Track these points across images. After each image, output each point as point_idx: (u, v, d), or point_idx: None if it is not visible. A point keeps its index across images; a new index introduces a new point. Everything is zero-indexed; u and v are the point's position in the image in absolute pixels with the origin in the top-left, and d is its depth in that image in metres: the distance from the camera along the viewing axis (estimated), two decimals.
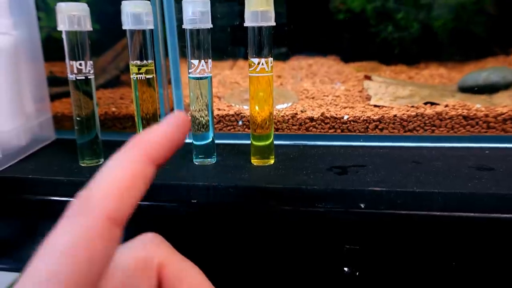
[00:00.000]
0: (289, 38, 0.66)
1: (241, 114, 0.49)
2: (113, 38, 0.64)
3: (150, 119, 0.41)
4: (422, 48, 0.65)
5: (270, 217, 0.36)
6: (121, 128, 0.52)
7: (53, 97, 0.54)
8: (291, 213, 0.36)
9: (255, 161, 0.41)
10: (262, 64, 0.38)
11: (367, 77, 0.57)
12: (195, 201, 0.37)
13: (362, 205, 0.35)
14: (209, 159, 0.42)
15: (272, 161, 0.41)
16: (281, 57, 0.68)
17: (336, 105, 0.50)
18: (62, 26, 0.39)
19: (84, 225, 0.17)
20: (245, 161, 0.42)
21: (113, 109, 0.53)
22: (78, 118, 0.41)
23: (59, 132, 0.51)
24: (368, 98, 0.51)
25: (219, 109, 0.51)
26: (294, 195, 0.36)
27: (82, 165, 0.42)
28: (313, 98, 0.53)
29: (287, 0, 0.63)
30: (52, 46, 0.57)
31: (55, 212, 0.40)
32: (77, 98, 0.41)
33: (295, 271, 0.37)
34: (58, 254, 0.17)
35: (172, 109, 0.51)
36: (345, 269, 0.36)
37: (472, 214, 0.33)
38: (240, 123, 0.49)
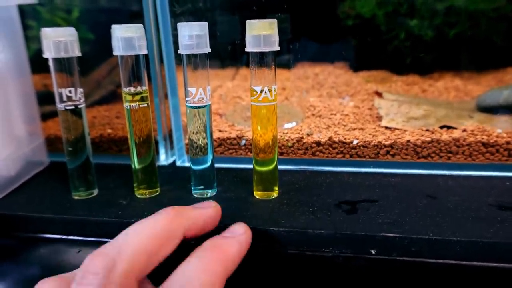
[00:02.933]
0: (295, 44, 0.63)
1: (244, 137, 0.47)
2: (108, 49, 0.62)
3: (144, 141, 0.39)
4: (436, 57, 0.62)
5: (274, 261, 0.34)
6: (117, 151, 0.50)
7: (46, 116, 0.52)
8: (296, 258, 0.34)
9: (258, 194, 0.39)
10: (265, 92, 0.36)
11: (378, 94, 0.54)
12: (193, 242, 0.35)
13: (373, 251, 0.32)
14: (209, 191, 0.40)
15: (276, 194, 0.39)
16: (286, 65, 0.66)
17: (345, 125, 0.47)
18: (48, 53, 0.36)
19: None
20: (247, 193, 0.40)
21: (109, 130, 0.50)
22: (70, 149, 0.39)
23: (53, 155, 0.49)
24: (379, 118, 0.48)
25: (220, 131, 0.48)
26: (300, 238, 0.33)
27: (75, 197, 0.40)
28: (320, 116, 0.51)
29: (294, 4, 0.60)
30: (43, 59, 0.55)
31: (46, 249, 0.38)
32: (66, 126, 0.39)
33: None
34: None
35: (170, 128, 0.49)
36: None
37: (494, 264, 0.31)
38: (243, 142, 0.47)
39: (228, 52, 0.62)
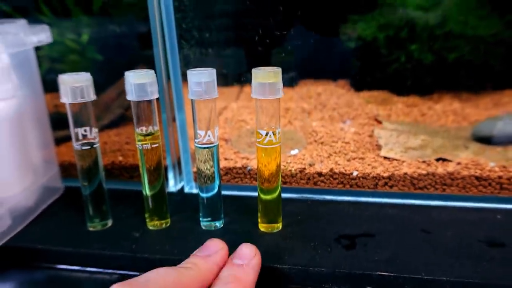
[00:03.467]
0: (298, 62, 0.66)
1: (249, 167, 0.49)
2: (117, 71, 0.64)
3: (155, 171, 0.42)
4: (436, 79, 0.64)
5: None
6: (128, 178, 0.53)
7: (58, 141, 0.54)
8: None
9: (262, 227, 0.42)
10: (270, 136, 0.38)
11: (378, 122, 0.57)
12: None
13: None
14: (216, 223, 0.43)
15: (280, 226, 0.42)
16: (290, 83, 0.68)
17: (345, 154, 0.50)
18: (66, 99, 0.39)
19: None
20: (252, 225, 0.43)
21: (120, 158, 0.53)
22: (85, 183, 0.42)
23: (67, 180, 0.52)
24: (378, 146, 0.51)
25: (225, 159, 0.51)
26: (302, 275, 0.36)
27: (90, 229, 0.43)
28: (322, 143, 0.53)
29: (298, 23, 0.63)
30: (53, 78, 0.57)
31: (63, 279, 0.41)
32: (82, 163, 0.42)
33: None
34: None
35: (178, 156, 0.51)
36: None
37: None
38: (249, 168, 0.50)
39: (233, 72, 0.64)
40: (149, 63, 0.64)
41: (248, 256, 0.34)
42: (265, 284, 0.37)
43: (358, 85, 0.69)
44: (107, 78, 0.63)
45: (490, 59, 0.62)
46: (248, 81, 0.70)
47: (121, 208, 0.47)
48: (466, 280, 0.34)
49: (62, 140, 0.57)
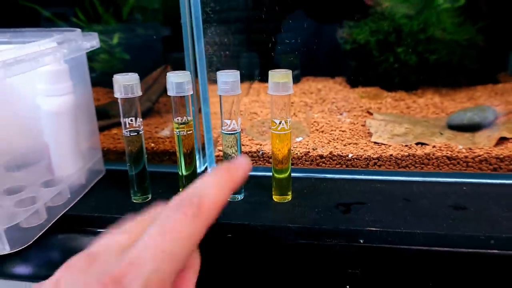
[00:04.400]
0: (302, 62, 0.77)
1: (261, 150, 0.60)
2: (142, 69, 0.75)
3: (189, 155, 0.53)
4: (419, 77, 0.76)
5: (290, 248, 0.48)
6: (159, 161, 0.63)
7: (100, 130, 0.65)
8: (306, 246, 0.48)
9: (276, 198, 0.53)
10: (283, 124, 0.49)
11: (369, 114, 0.68)
12: (230, 235, 0.49)
13: (361, 241, 0.47)
14: (238, 195, 0.54)
15: (289, 197, 0.53)
16: (294, 79, 0.79)
17: (342, 140, 0.61)
18: (119, 94, 0.50)
19: (199, 225, 0.28)
20: (267, 198, 0.54)
21: (152, 145, 0.64)
22: (130, 163, 0.53)
23: (107, 164, 0.63)
24: (370, 134, 0.62)
25: (242, 145, 0.62)
26: (309, 232, 0.48)
27: (134, 201, 0.54)
28: (322, 131, 0.64)
29: (301, 27, 0.73)
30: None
31: None
32: (129, 145, 0.52)
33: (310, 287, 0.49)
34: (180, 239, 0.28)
35: (202, 141, 0.62)
36: (347, 287, 0.48)
37: (444, 249, 0.45)
38: (261, 152, 0.61)
39: (245, 72, 0.75)
40: (171, 62, 0.75)
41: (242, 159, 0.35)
42: (280, 240, 0.48)
43: (353, 82, 0.80)
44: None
45: (464, 60, 0.74)
46: (256, 77, 0.81)
47: (156, 185, 0.58)
48: (435, 232, 0.45)
49: (101, 130, 0.67)
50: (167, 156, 0.63)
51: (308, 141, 0.62)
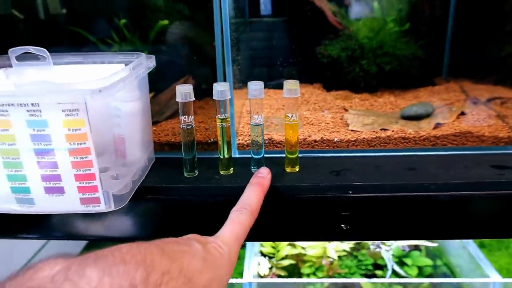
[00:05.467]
0: (288, 72, 1.03)
1: (272, 139, 0.85)
2: (167, 80, 0.97)
3: (228, 142, 0.76)
4: (378, 82, 1.04)
5: (300, 200, 0.73)
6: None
7: None
8: (312, 198, 0.73)
9: (288, 169, 0.78)
10: (293, 117, 0.75)
11: (345, 110, 0.95)
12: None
13: (350, 192, 0.73)
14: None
15: (297, 169, 0.78)
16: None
17: (328, 129, 0.87)
18: (180, 98, 0.73)
19: (252, 220, 0.60)
20: (282, 169, 0.79)
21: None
22: (186, 148, 0.76)
23: (155, 153, 0.85)
24: (347, 124, 0.89)
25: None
26: (313, 188, 0.73)
27: (186, 175, 0.77)
28: (312, 124, 0.90)
29: (287, 47, 0.99)
30: None
31: (178, 206, 0.74)
32: (185, 135, 0.75)
33: (312, 226, 0.75)
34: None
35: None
36: (342, 225, 0.74)
37: (403, 194, 0.72)
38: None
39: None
40: (192, 74, 0.98)
41: (265, 172, 0.70)
42: (294, 195, 0.73)
43: (328, 87, 1.07)
44: (163, 85, 0.96)
45: (410, 68, 1.03)
46: (266, 86, 1.06)
47: (199, 167, 0.81)
48: (397, 183, 0.72)
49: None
50: (200, 146, 0.87)
51: (303, 131, 0.88)
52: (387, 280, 1.32)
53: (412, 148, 0.84)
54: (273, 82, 1.06)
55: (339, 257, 1.56)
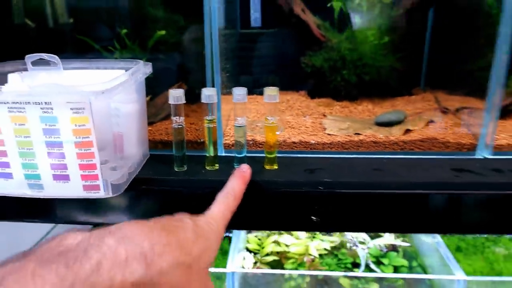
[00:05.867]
0: (275, 80, 1.14)
1: (256, 140, 0.96)
2: (162, 85, 1.08)
3: (214, 142, 0.87)
4: (359, 91, 1.15)
5: (277, 193, 0.84)
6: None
7: None
8: (287, 192, 0.83)
9: (267, 166, 0.88)
10: (272, 120, 0.85)
11: (324, 116, 1.06)
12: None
13: (321, 188, 0.83)
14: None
15: (276, 166, 0.89)
16: None
17: (307, 133, 0.98)
18: (172, 101, 0.84)
19: (236, 204, 0.71)
20: (262, 167, 0.89)
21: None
22: (177, 145, 0.87)
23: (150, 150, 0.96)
24: (324, 129, 0.99)
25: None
26: (289, 183, 0.83)
27: (176, 169, 0.88)
28: (293, 128, 1.01)
29: (275, 57, 1.10)
30: None
31: (168, 196, 0.85)
32: (175, 134, 0.86)
33: (287, 217, 0.85)
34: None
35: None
36: (313, 217, 0.84)
37: (369, 191, 0.82)
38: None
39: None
40: (186, 80, 1.09)
41: (246, 167, 0.80)
42: (270, 189, 0.83)
43: (312, 95, 1.18)
44: (159, 89, 1.07)
45: (388, 79, 1.13)
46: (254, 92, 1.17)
47: (188, 162, 0.92)
48: (363, 181, 0.82)
49: None
50: (190, 144, 0.97)
51: (285, 134, 0.98)
52: (363, 274, 1.41)
53: (382, 152, 0.94)
54: (261, 89, 1.17)
55: (320, 255, 1.66)
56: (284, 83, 1.17)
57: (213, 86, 0.93)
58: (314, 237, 1.74)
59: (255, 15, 1.12)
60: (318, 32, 1.13)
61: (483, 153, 0.92)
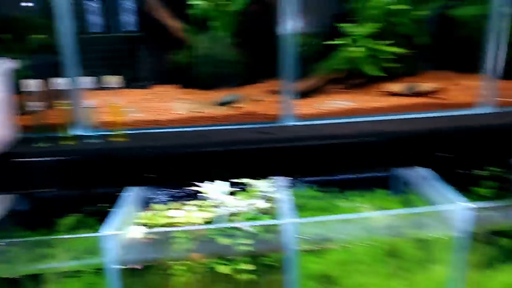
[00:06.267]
0: (151, 76, 1.38)
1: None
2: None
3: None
4: (216, 81, 1.39)
5: (128, 159, 1.07)
6: None
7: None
8: (133, 158, 1.06)
9: (114, 139, 1.12)
10: (117, 103, 1.08)
11: (177, 100, 1.30)
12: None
13: (150, 150, 1.06)
14: None
15: (124, 139, 1.12)
16: (143, 87, 1.40)
17: (160, 114, 1.22)
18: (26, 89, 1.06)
19: None
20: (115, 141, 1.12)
21: None
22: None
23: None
24: (176, 110, 1.23)
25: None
26: (135, 151, 1.07)
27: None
28: (150, 111, 1.25)
29: (148, 57, 1.34)
30: None
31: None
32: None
33: (129, 177, 1.07)
34: None
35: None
36: (151, 174, 1.07)
37: (183, 151, 1.06)
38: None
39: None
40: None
41: None
42: (121, 155, 1.06)
43: (186, 86, 1.42)
44: None
45: (240, 71, 1.39)
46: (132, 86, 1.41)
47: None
48: (180, 143, 1.06)
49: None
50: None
51: (143, 116, 1.22)
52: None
53: (212, 124, 1.18)
54: (138, 83, 1.41)
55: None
56: (162, 78, 1.41)
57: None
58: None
59: (127, 20, 1.37)
60: (180, 34, 1.38)
61: (289, 122, 1.18)
